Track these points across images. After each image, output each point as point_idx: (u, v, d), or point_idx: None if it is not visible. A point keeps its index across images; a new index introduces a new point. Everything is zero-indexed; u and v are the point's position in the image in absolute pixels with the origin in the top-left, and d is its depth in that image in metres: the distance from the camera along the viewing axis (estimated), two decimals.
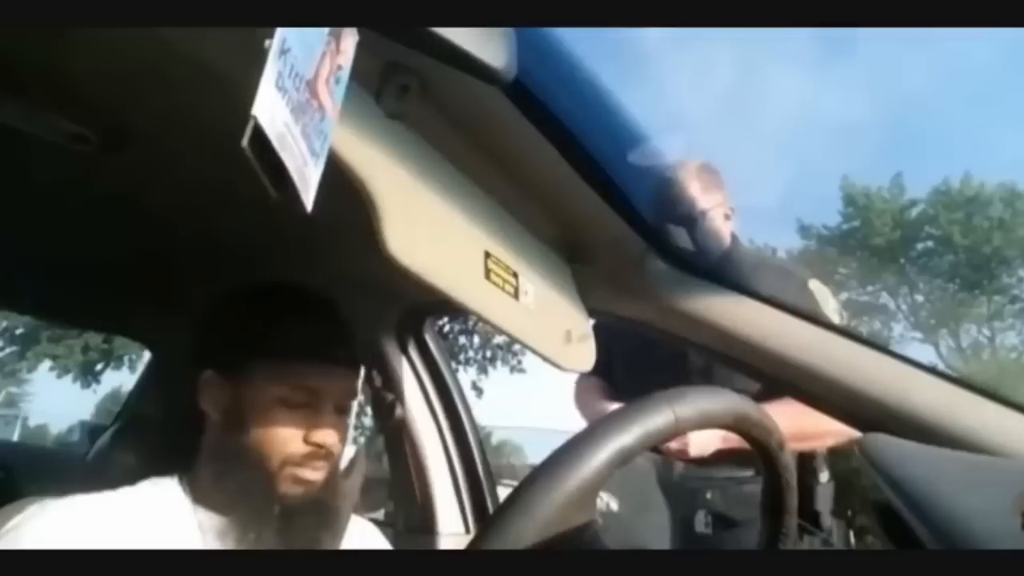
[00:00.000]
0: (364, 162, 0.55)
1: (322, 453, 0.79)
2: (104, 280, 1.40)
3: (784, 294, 1.11)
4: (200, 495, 0.80)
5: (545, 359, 0.80)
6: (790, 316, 0.81)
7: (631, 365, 1.55)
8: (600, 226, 0.80)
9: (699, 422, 0.54)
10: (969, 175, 19.42)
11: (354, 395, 0.86)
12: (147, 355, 1.79)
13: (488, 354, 14.10)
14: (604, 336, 0.92)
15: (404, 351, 1.34)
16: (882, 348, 0.77)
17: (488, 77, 0.52)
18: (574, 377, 1.73)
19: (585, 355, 0.87)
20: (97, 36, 0.67)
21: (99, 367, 13.95)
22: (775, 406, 0.76)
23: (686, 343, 0.90)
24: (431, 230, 0.63)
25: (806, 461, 1.50)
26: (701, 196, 1.50)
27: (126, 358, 13.80)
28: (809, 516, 1.47)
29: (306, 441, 0.79)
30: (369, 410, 1.24)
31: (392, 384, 1.30)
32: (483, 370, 14.06)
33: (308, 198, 0.43)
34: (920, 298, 20.84)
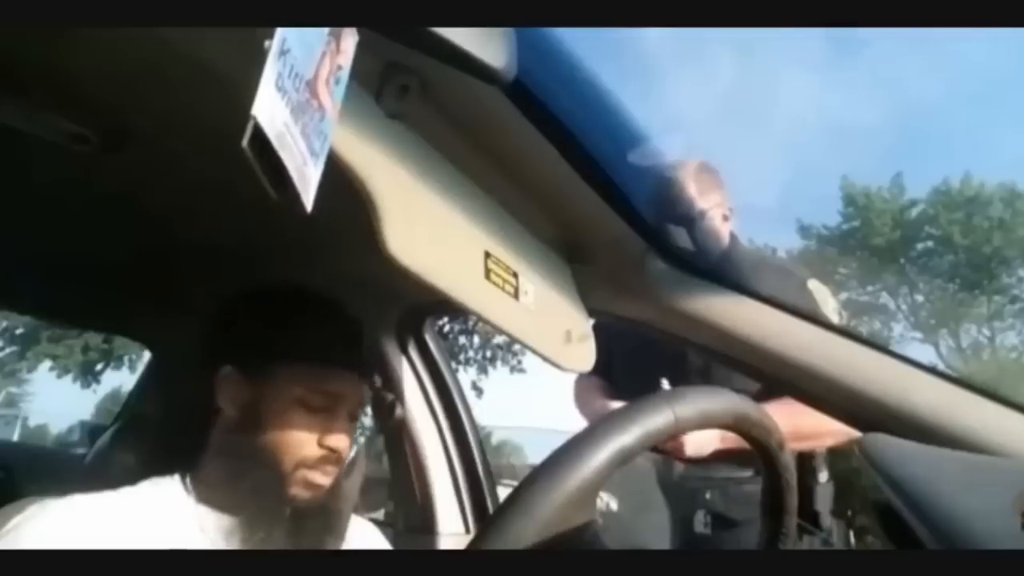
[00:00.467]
0: (364, 162, 0.55)
1: (334, 458, 0.80)
2: (104, 280, 1.40)
3: (784, 294, 1.11)
4: (204, 494, 0.80)
5: (545, 359, 0.80)
6: (790, 316, 0.81)
7: (631, 365, 1.55)
8: (600, 226, 0.80)
9: (699, 422, 0.54)
10: (969, 175, 19.43)
11: (365, 404, 0.88)
12: (147, 355, 1.79)
13: (488, 354, 14.11)
14: (604, 336, 0.92)
15: (404, 351, 1.34)
16: (882, 348, 0.77)
17: (488, 77, 0.52)
18: (574, 377, 1.73)
19: (585, 355, 0.87)
20: (97, 36, 0.67)
21: (99, 367, 13.95)
22: (773, 406, 0.76)
23: (686, 343, 0.90)
24: (431, 230, 0.63)
25: (806, 461, 1.50)
26: (700, 196, 1.49)
27: (126, 358, 13.80)
28: (809, 516, 1.47)
29: (320, 444, 0.79)
30: (369, 410, 1.24)
31: (392, 384, 1.30)
32: (483, 370, 14.07)
33: (308, 198, 0.43)
34: (920, 298, 20.85)
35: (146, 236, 1.21)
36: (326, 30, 0.43)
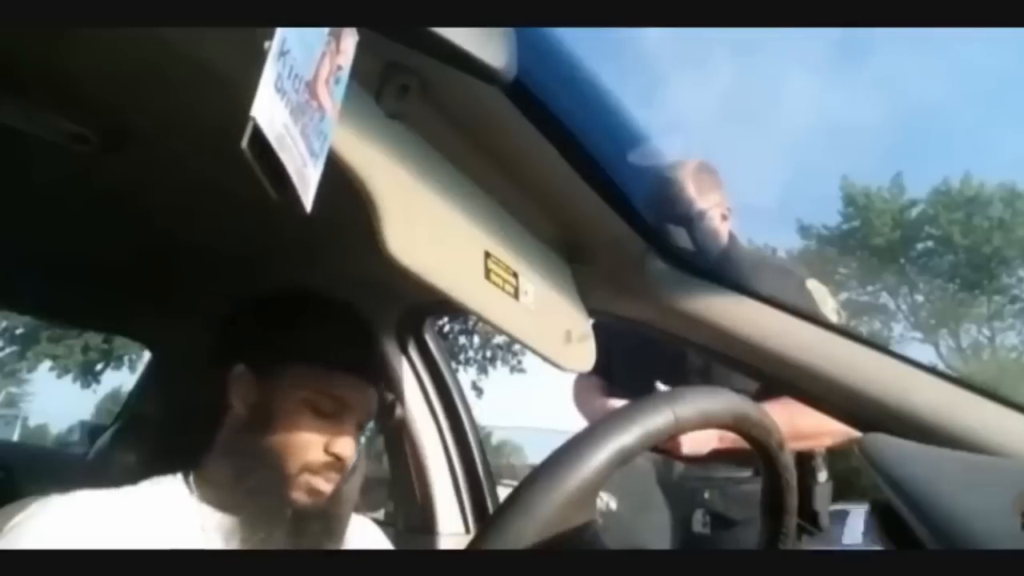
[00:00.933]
0: (364, 162, 0.55)
1: (338, 465, 0.80)
2: (104, 280, 1.40)
3: (783, 293, 1.11)
4: (207, 493, 0.80)
5: (545, 359, 0.80)
6: (790, 316, 0.81)
7: (631, 364, 1.55)
8: (600, 226, 0.80)
9: (699, 422, 0.54)
10: (969, 175, 19.45)
11: (372, 417, 0.88)
12: (147, 355, 1.79)
13: (488, 354, 14.12)
14: (604, 335, 0.92)
15: (404, 351, 1.34)
16: (882, 348, 0.77)
17: (488, 77, 0.52)
18: (574, 377, 1.73)
19: (585, 355, 0.87)
20: (97, 36, 0.67)
21: (99, 367, 13.97)
22: (773, 406, 0.76)
23: (686, 343, 0.90)
24: (431, 230, 0.63)
25: (805, 461, 1.50)
26: (699, 196, 1.49)
27: (126, 358, 13.81)
28: (809, 516, 1.47)
29: (326, 450, 0.80)
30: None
31: (392, 384, 1.30)
32: (483, 370, 14.09)
33: (308, 199, 0.43)
34: (920, 298, 20.85)
35: (146, 236, 1.21)
36: (326, 30, 0.43)
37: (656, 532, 1.50)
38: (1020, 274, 19.35)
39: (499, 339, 13.54)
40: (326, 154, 0.45)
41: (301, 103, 0.41)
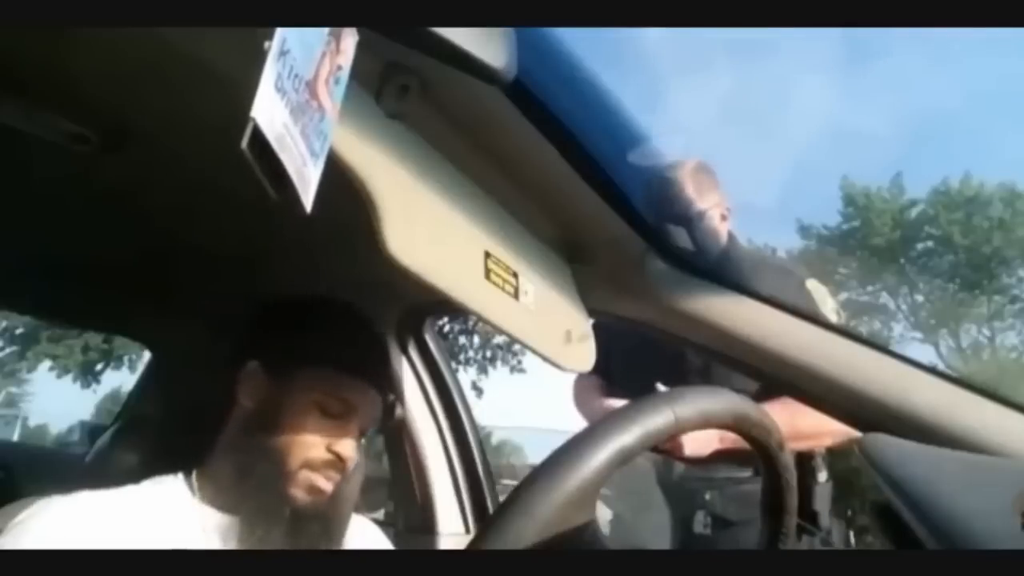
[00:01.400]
0: (364, 162, 0.55)
1: (339, 465, 0.81)
2: (104, 280, 1.40)
3: (782, 293, 1.11)
4: (208, 491, 0.80)
5: (545, 359, 0.80)
6: (790, 316, 0.81)
7: (630, 364, 1.55)
8: (600, 226, 0.80)
9: (699, 422, 0.54)
10: (969, 175, 19.44)
11: (376, 422, 0.89)
12: (147, 355, 1.79)
13: (488, 354, 14.11)
14: (603, 335, 0.92)
15: (404, 351, 1.34)
16: (882, 348, 0.77)
17: (488, 77, 0.52)
18: (573, 376, 1.73)
19: (585, 355, 0.87)
20: (97, 36, 0.67)
21: (99, 367, 13.96)
22: (772, 406, 0.76)
23: (686, 343, 0.90)
24: (431, 230, 0.63)
25: (805, 461, 1.50)
26: (698, 196, 1.49)
27: (126, 358, 13.81)
28: (809, 516, 1.47)
29: (329, 449, 0.80)
30: None
31: (392, 384, 1.30)
32: (483, 370, 14.07)
33: (308, 199, 0.43)
34: (920, 298, 20.85)
35: (146, 236, 1.21)
36: (326, 30, 0.43)
37: (656, 532, 1.50)
38: (1020, 274, 19.34)
39: (499, 339, 13.53)
40: (326, 154, 0.45)
41: (301, 103, 0.41)
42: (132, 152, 0.89)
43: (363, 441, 0.88)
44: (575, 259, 0.88)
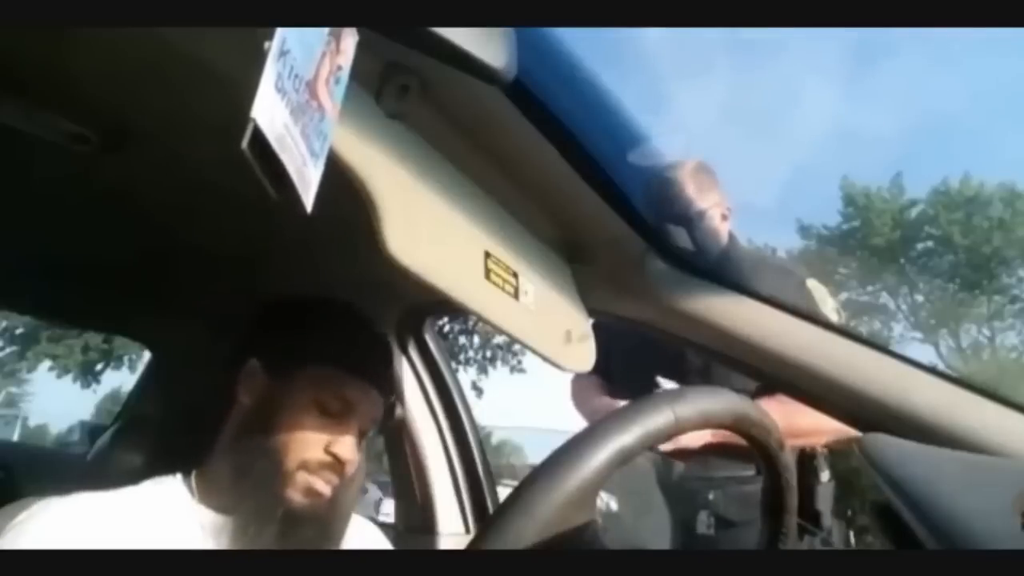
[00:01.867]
0: (364, 162, 0.55)
1: (337, 467, 0.80)
2: (104, 280, 1.40)
3: (782, 293, 1.11)
4: (207, 492, 0.80)
5: (545, 359, 0.80)
6: (790, 316, 0.81)
7: (628, 362, 1.55)
8: (600, 226, 0.80)
9: (699, 422, 0.54)
10: (969, 175, 19.44)
11: (376, 425, 0.88)
12: (147, 355, 1.79)
13: (488, 354, 14.12)
14: (602, 333, 0.92)
15: (404, 351, 1.34)
16: (882, 348, 0.77)
17: (488, 77, 0.52)
18: (572, 375, 1.73)
19: (585, 355, 0.87)
20: (97, 36, 0.67)
21: (99, 367, 13.96)
22: (768, 403, 0.76)
23: (686, 343, 0.90)
24: (431, 230, 0.63)
25: (806, 460, 1.50)
26: (698, 196, 1.50)
27: (126, 358, 13.81)
28: (809, 516, 1.47)
29: (327, 450, 0.80)
30: None
31: (393, 385, 1.30)
32: (483, 370, 14.08)
33: (308, 199, 0.43)
34: (920, 298, 20.85)
35: (146, 236, 1.21)
36: (326, 30, 0.43)
37: (656, 532, 1.50)
38: (1020, 274, 19.34)
39: (499, 339, 13.54)
40: (326, 154, 0.45)
41: (301, 103, 0.41)
42: (132, 152, 0.89)
43: (363, 444, 0.87)
44: (575, 259, 0.88)
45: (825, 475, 1.53)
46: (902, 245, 19.83)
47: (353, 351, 0.85)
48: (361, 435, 0.85)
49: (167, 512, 0.77)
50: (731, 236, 1.60)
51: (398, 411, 1.28)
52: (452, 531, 1.30)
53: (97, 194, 1.06)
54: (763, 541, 0.64)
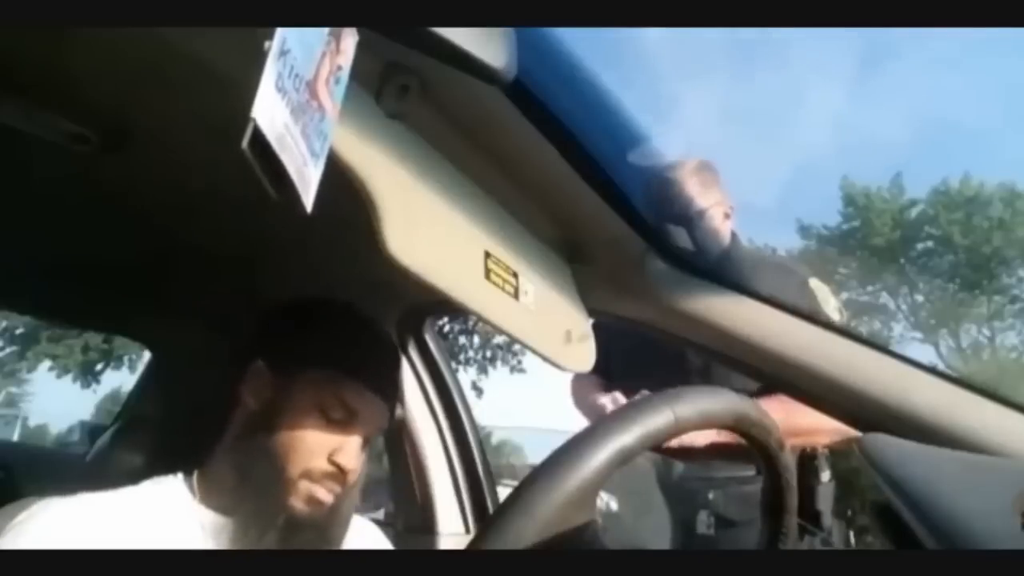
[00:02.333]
0: (364, 162, 0.55)
1: (340, 477, 0.80)
2: (104, 280, 1.40)
3: (784, 292, 1.11)
4: (208, 493, 0.80)
5: (545, 359, 0.80)
6: (790, 316, 0.81)
7: (628, 362, 1.55)
8: (600, 226, 0.80)
9: (699, 422, 0.54)
10: (969, 175, 19.44)
11: (380, 433, 0.88)
12: (147, 355, 1.79)
13: (488, 354, 14.11)
14: (602, 333, 0.92)
15: (404, 351, 1.34)
16: (882, 348, 0.77)
17: (488, 77, 0.52)
18: (572, 374, 1.73)
19: (585, 355, 0.87)
20: (97, 36, 0.67)
21: (99, 367, 13.96)
22: (768, 402, 0.76)
23: (686, 343, 0.90)
24: (431, 230, 0.63)
25: (807, 460, 1.49)
26: (700, 195, 1.49)
27: (126, 358, 13.81)
28: (809, 516, 1.47)
29: (330, 459, 0.79)
30: None
31: (397, 392, 1.30)
32: (483, 370, 14.08)
33: (308, 199, 0.43)
34: (920, 298, 20.85)
35: (146, 236, 1.21)
36: (326, 30, 0.43)
37: (656, 532, 1.50)
38: (1020, 274, 19.33)
39: (499, 339, 13.53)
40: (326, 154, 0.45)
41: (301, 103, 0.41)
42: (132, 152, 0.89)
43: (365, 452, 0.86)
44: (575, 259, 0.88)
45: (825, 475, 1.53)
46: (902, 245, 19.83)
47: (363, 357, 0.84)
48: (365, 442, 0.84)
49: (167, 512, 0.77)
50: (733, 235, 1.60)
51: (398, 411, 1.28)
52: (452, 531, 1.30)
53: (97, 194, 1.06)
54: (763, 541, 0.64)
